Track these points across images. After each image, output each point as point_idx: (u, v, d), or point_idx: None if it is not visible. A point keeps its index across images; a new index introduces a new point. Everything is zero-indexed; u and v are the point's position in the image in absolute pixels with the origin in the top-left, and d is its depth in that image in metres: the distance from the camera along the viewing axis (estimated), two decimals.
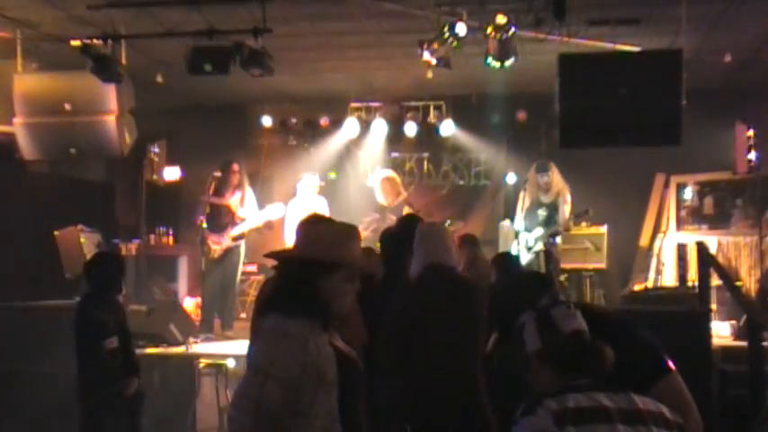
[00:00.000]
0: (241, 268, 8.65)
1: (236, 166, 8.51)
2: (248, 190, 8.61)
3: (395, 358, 3.91)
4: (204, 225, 8.22)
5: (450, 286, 3.99)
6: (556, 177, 8.45)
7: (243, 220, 8.47)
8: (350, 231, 2.85)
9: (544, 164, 8.51)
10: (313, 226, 2.86)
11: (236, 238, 8.43)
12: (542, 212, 8.45)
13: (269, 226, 8.64)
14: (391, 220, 8.68)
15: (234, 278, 8.51)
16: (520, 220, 8.57)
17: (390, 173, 8.92)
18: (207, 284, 8.41)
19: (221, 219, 8.40)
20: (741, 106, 8.76)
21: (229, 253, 8.41)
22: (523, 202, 8.50)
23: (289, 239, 8.68)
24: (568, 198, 8.45)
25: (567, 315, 2.33)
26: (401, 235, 5.15)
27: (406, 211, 8.30)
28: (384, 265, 5.03)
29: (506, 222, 9.38)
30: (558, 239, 8.51)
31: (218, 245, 8.34)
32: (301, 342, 2.56)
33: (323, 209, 8.59)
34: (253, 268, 9.30)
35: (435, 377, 3.79)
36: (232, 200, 8.45)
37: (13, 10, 6.66)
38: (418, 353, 3.85)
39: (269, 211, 8.56)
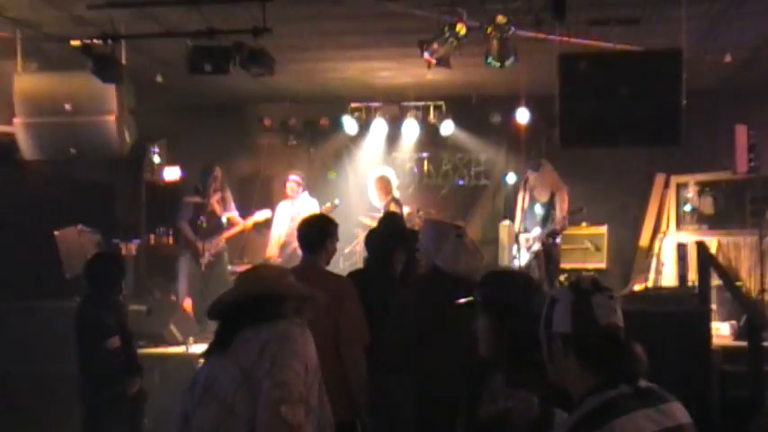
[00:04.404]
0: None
1: (218, 169, 8.83)
2: (227, 191, 8.92)
3: (398, 358, 3.90)
4: (204, 225, 8.32)
5: (454, 288, 3.97)
6: (550, 175, 8.45)
7: (227, 222, 8.74)
8: (285, 270, 3.14)
9: (535, 162, 8.54)
10: (251, 270, 3.14)
11: (225, 240, 8.73)
12: (539, 211, 8.46)
13: (257, 227, 9.05)
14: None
15: (228, 280, 8.56)
16: (519, 221, 8.58)
17: (383, 172, 8.95)
18: (198, 290, 8.47)
19: (207, 224, 8.58)
20: (741, 106, 8.76)
21: (219, 258, 8.63)
22: (522, 202, 8.52)
23: (275, 240, 8.81)
24: (565, 197, 8.45)
25: (607, 306, 2.10)
26: (384, 234, 5.17)
27: (392, 209, 8.35)
28: (371, 264, 5.05)
29: (506, 222, 9.39)
30: (558, 239, 8.51)
31: (208, 251, 8.53)
32: (311, 340, 2.77)
33: (313, 209, 8.63)
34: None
35: (438, 377, 3.79)
36: (213, 201, 8.68)
37: (13, 10, 6.65)
38: (421, 353, 3.85)
39: (257, 215, 8.91)
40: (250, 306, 2.80)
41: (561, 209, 8.37)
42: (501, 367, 2.52)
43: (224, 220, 8.76)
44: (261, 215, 8.92)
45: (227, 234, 8.76)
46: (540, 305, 2.54)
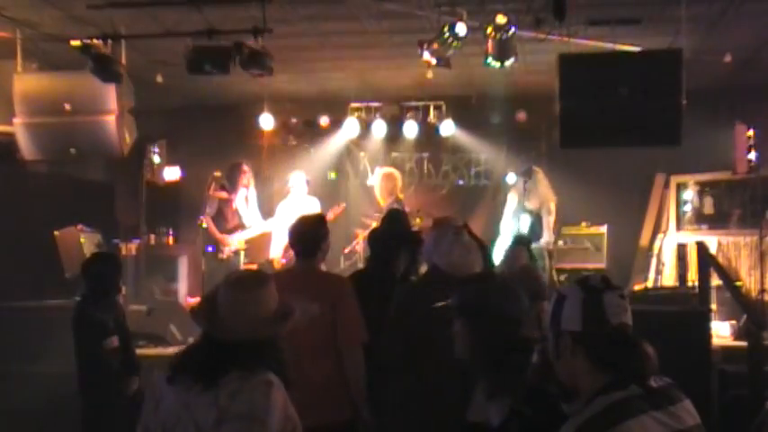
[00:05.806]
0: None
1: (246, 167, 8.79)
2: (252, 190, 8.84)
3: (398, 358, 3.90)
4: (204, 225, 8.32)
5: (451, 287, 3.97)
6: (541, 185, 8.44)
7: (247, 222, 8.74)
8: (265, 278, 2.73)
9: (528, 170, 8.54)
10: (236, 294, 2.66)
11: (247, 242, 8.74)
12: (526, 217, 8.44)
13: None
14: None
15: None
16: (506, 222, 8.59)
17: (391, 170, 8.91)
18: (211, 285, 8.47)
19: (230, 220, 8.66)
20: (741, 106, 8.76)
21: (237, 255, 8.64)
22: (511, 203, 8.52)
23: (277, 241, 8.77)
24: (552, 208, 8.43)
25: (618, 305, 2.06)
26: (386, 233, 5.15)
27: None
28: (373, 263, 5.04)
29: None
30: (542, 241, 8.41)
31: (228, 246, 8.58)
32: (280, 404, 2.51)
33: (314, 208, 8.61)
34: (253, 268, 9.35)
35: (437, 377, 3.79)
36: (238, 198, 8.67)
37: (13, 10, 6.65)
38: (420, 352, 3.84)
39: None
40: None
41: (548, 223, 8.33)
42: (478, 370, 2.53)
43: (247, 219, 8.76)
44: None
45: (250, 235, 8.74)
46: (515, 310, 2.55)
